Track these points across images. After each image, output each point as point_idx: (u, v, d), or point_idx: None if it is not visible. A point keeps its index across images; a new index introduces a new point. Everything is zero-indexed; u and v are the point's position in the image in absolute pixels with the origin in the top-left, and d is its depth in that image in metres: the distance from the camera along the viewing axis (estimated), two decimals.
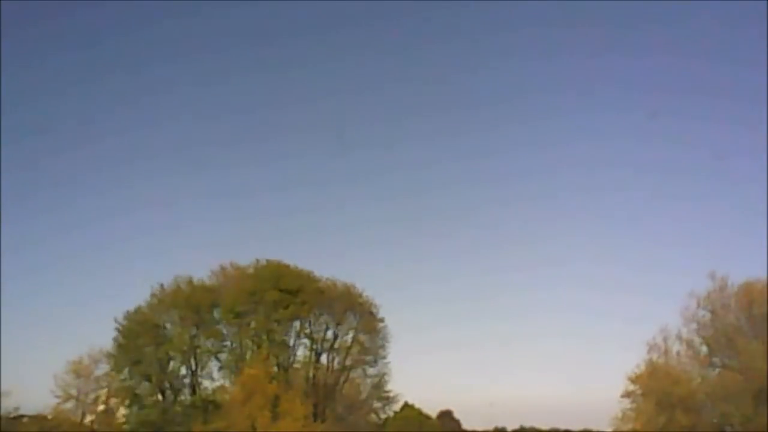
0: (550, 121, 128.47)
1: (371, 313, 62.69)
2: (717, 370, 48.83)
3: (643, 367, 50.90)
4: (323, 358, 62.32)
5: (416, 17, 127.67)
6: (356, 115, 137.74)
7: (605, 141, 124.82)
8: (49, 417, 56.46)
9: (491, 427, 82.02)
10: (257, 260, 62.52)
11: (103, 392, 57.96)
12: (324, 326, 62.04)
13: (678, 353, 49.71)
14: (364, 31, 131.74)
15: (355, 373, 63.34)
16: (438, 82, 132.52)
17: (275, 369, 59.37)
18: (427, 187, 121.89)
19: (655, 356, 50.09)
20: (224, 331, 60.87)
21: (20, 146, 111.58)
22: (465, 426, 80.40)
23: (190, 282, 61.24)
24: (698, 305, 48.31)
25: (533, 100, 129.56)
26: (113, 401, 58.50)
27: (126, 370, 58.55)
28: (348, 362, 62.38)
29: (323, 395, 59.69)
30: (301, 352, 62.38)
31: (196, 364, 60.07)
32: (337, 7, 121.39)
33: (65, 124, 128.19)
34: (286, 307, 59.31)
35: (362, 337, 62.56)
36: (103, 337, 59.89)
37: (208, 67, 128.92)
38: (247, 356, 59.79)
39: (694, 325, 48.70)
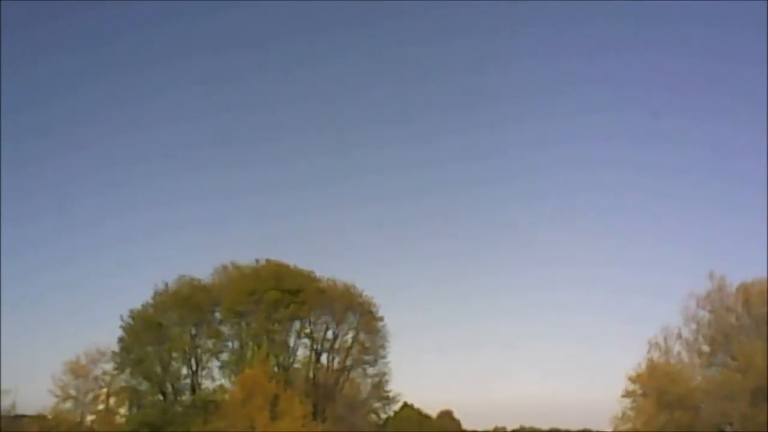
0: (551, 121, 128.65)
1: (371, 313, 62.73)
2: (717, 369, 48.85)
3: (643, 367, 50.95)
4: (323, 358, 62.45)
5: (416, 17, 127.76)
6: (356, 115, 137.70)
7: (606, 141, 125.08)
8: (49, 417, 56.44)
9: (491, 427, 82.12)
10: (257, 260, 62.70)
11: (102, 392, 57.99)
12: (324, 326, 62.15)
13: (678, 353, 49.76)
14: (363, 32, 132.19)
15: (355, 373, 63.38)
16: (438, 82, 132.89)
17: (275, 369, 59.37)
18: (428, 187, 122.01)
19: (655, 356, 50.14)
20: (225, 331, 61.00)
21: (20, 147, 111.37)
22: (465, 426, 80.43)
23: (191, 282, 61.32)
24: (698, 305, 48.38)
25: (533, 99, 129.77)
26: (113, 401, 58.51)
27: (128, 370, 58.60)
28: (348, 362, 62.44)
29: (323, 395, 59.70)
30: (301, 352, 62.52)
31: (197, 364, 60.13)
32: (337, 7, 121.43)
33: (65, 124, 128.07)
34: (287, 307, 59.37)
35: (362, 337, 62.61)
36: (102, 337, 59.97)
37: (207, 68, 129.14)
38: (248, 356, 59.83)
39: (693, 325, 48.79)
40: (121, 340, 58.93)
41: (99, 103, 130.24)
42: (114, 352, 58.25)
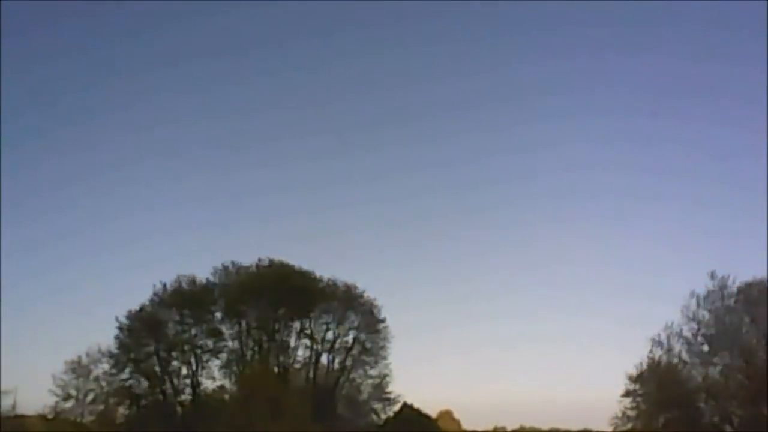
0: (550, 123, 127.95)
1: (372, 314, 62.76)
2: (718, 369, 48.82)
3: (643, 367, 50.92)
4: (323, 359, 62.45)
5: (417, 19, 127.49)
6: (358, 116, 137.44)
7: (605, 142, 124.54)
8: (49, 417, 56.49)
9: (491, 427, 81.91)
10: (259, 259, 62.70)
11: (102, 391, 58.05)
12: (324, 326, 62.16)
13: (679, 353, 49.73)
14: (364, 33, 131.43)
15: (356, 374, 63.38)
16: (439, 84, 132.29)
17: (275, 369, 59.41)
18: (429, 189, 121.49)
19: (656, 356, 50.10)
20: (225, 331, 61.00)
21: (21, 148, 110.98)
22: (465, 426, 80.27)
23: (191, 281, 61.32)
24: (699, 305, 48.32)
25: (533, 101, 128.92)
26: (113, 400, 58.54)
27: (127, 370, 58.62)
28: (348, 362, 62.44)
29: (323, 395, 59.67)
30: (302, 352, 62.54)
31: (197, 364, 60.14)
32: (338, 8, 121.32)
33: (66, 126, 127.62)
34: (287, 307, 59.38)
35: (363, 338, 62.64)
36: (103, 337, 59.99)
37: (207, 69, 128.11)
38: (248, 356, 59.84)
39: (694, 325, 48.73)
40: (117, 339, 58.99)
41: (99, 105, 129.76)
42: (111, 352, 58.35)
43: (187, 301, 59.57)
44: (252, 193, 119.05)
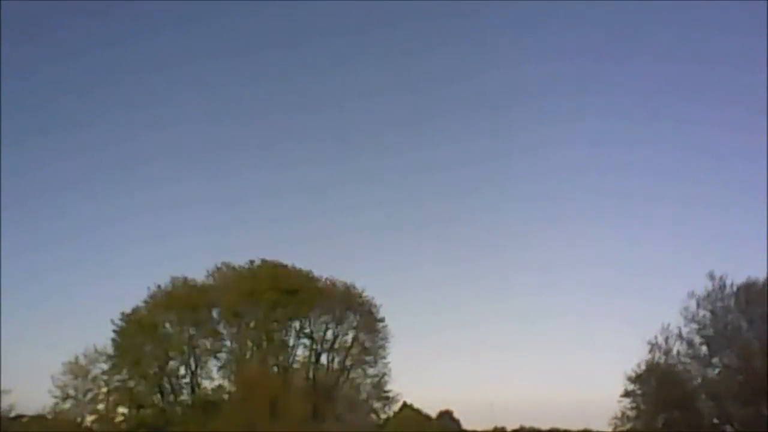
0: (551, 125, 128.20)
1: (371, 313, 62.75)
2: (717, 369, 48.74)
3: (643, 367, 50.90)
4: (323, 358, 62.46)
5: (418, 21, 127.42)
6: (358, 119, 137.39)
7: (605, 143, 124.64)
8: (48, 417, 56.51)
9: (491, 427, 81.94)
10: (252, 261, 62.58)
11: (102, 392, 58.09)
12: (323, 326, 62.16)
13: (678, 353, 49.64)
14: (365, 35, 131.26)
15: (355, 373, 63.35)
16: (438, 87, 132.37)
17: (274, 369, 59.40)
18: (428, 191, 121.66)
19: (655, 356, 50.05)
20: (223, 331, 60.97)
21: (20, 150, 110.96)
22: (465, 426, 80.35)
23: (186, 282, 61.22)
24: (698, 305, 48.24)
25: (533, 103, 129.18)
26: (112, 401, 58.54)
27: (125, 371, 58.57)
28: (348, 362, 62.42)
29: (323, 395, 59.64)
30: (301, 352, 62.55)
31: (195, 364, 60.14)
32: (339, 10, 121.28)
33: (65, 127, 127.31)
34: (286, 307, 59.34)
35: (362, 337, 62.63)
36: (102, 337, 59.99)
37: (207, 71, 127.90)
38: (246, 356, 59.80)
39: (694, 325, 48.61)
40: (114, 341, 58.95)
41: (98, 107, 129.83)
42: (108, 354, 58.36)
43: (183, 301, 59.51)
44: (251, 195, 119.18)
